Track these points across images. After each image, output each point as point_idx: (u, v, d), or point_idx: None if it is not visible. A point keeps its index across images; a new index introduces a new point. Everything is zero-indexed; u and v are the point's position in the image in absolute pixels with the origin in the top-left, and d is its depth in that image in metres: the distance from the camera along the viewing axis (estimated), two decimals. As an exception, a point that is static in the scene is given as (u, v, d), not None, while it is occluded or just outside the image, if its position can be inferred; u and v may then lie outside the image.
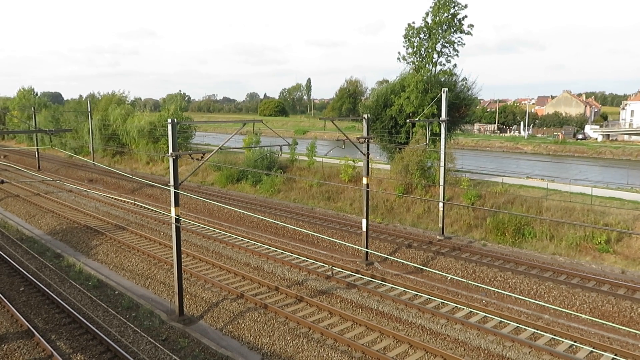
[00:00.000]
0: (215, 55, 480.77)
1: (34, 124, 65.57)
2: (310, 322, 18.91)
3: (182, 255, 20.32)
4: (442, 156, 29.95)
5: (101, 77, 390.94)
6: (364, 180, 26.30)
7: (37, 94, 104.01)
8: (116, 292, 22.41)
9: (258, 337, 18.36)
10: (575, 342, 17.53)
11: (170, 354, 16.71)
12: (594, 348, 17.14)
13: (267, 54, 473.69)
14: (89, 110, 62.73)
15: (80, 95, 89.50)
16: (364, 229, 26.62)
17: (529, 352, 16.87)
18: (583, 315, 19.61)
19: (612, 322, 19.08)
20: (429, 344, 17.47)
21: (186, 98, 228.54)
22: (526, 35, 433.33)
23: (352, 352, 17.00)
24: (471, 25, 36.69)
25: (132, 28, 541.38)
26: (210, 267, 25.53)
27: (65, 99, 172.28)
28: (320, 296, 21.79)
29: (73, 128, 69.27)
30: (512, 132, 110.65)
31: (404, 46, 38.69)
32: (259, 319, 19.40)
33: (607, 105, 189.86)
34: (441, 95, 30.02)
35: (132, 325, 18.87)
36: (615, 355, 16.69)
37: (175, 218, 19.21)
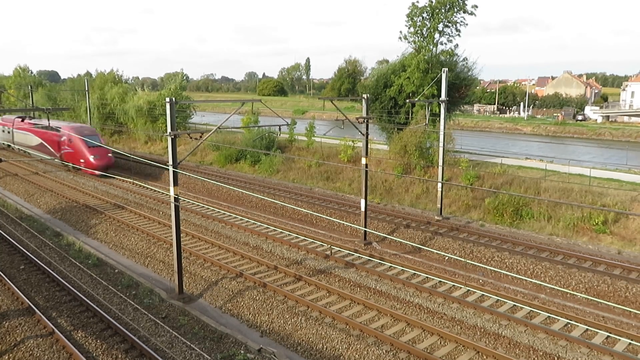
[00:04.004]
0: (214, 33, 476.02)
1: (31, 103, 65.13)
2: (308, 300, 19.10)
3: (181, 234, 20.41)
4: (442, 137, 29.87)
5: (99, 55, 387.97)
6: (363, 161, 26.28)
7: (32, 73, 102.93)
8: (116, 271, 22.57)
9: (257, 315, 18.55)
10: (570, 320, 17.76)
11: (171, 330, 16.91)
12: (588, 327, 17.37)
13: (266, 32, 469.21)
14: (86, 89, 62.25)
15: (78, 74, 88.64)
16: (363, 208, 26.70)
17: (525, 331, 17.09)
18: (579, 295, 19.81)
19: (608, 302, 19.27)
20: (425, 322, 17.68)
21: (185, 77, 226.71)
22: (531, 13, 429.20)
23: (350, 330, 17.21)
24: (475, 6, 36.21)
25: (129, 5, 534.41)
26: (210, 246, 25.66)
27: (62, 77, 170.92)
28: (319, 275, 21.96)
29: (70, 107, 68.82)
30: (512, 113, 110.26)
31: (406, 25, 38.27)
32: (257, 298, 19.58)
33: (607, 87, 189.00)
34: (441, 75, 29.81)
35: (132, 303, 19.05)
36: (610, 334, 16.92)
37: (174, 197, 19.24)
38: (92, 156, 41.79)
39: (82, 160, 41.80)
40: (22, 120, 51.67)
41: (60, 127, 43.92)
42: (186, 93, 71.96)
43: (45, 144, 46.79)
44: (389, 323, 17.76)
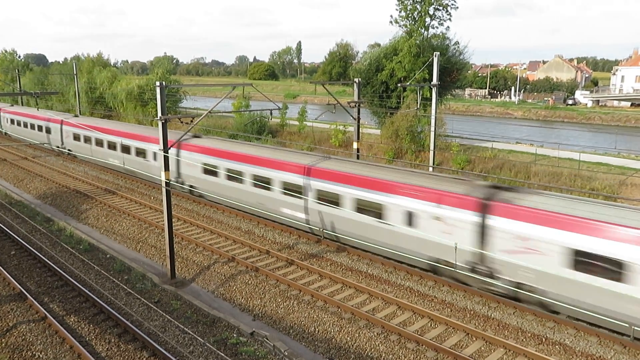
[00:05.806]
0: (203, 15, 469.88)
1: (18, 87, 64.23)
2: (300, 284, 19.24)
3: (172, 219, 20.40)
4: (433, 121, 29.92)
5: (86, 38, 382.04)
6: (355, 145, 26.30)
7: (19, 56, 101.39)
8: (107, 256, 22.55)
9: (249, 299, 18.68)
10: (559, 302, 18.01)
11: (164, 315, 16.99)
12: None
13: (257, 15, 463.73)
14: (74, 72, 61.51)
15: (66, 58, 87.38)
16: (354, 193, 26.73)
17: (513, 313, 17.37)
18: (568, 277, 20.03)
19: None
20: (416, 305, 17.90)
21: (174, 61, 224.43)
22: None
23: (342, 313, 17.39)
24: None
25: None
26: (201, 231, 25.68)
27: (50, 61, 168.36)
28: (311, 259, 22.09)
29: (59, 91, 68.03)
30: (503, 97, 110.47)
31: (396, 9, 38.10)
32: (250, 282, 19.69)
33: (598, 71, 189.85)
34: (433, 59, 29.75)
35: (125, 288, 19.08)
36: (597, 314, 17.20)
37: (166, 182, 19.19)
38: None
39: None
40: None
41: None
42: (176, 77, 71.42)
43: None
44: (380, 306, 17.95)
